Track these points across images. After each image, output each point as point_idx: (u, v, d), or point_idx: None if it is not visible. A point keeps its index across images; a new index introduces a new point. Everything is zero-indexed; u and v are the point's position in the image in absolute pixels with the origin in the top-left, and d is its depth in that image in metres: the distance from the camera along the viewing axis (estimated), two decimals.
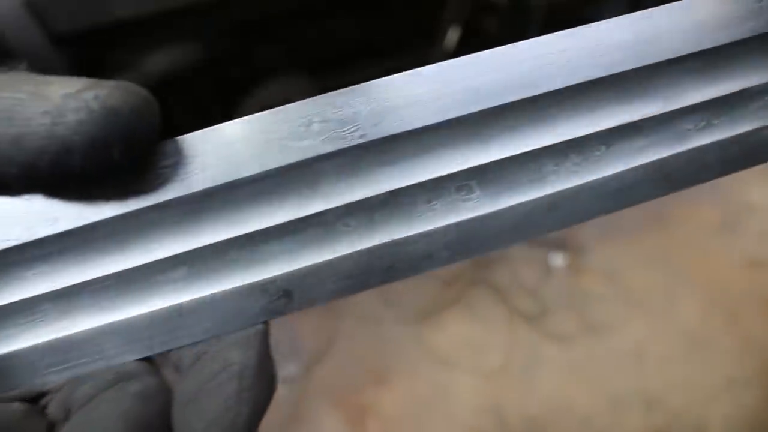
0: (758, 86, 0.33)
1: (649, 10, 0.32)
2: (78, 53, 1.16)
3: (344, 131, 0.28)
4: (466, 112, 0.29)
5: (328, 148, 0.28)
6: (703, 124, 0.33)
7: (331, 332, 1.45)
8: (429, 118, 0.29)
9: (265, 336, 0.29)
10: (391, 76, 0.29)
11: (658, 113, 0.32)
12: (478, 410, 1.35)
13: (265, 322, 0.29)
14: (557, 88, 0.30)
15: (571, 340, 1.46)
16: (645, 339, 1.45)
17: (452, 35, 1.47)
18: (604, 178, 0.32)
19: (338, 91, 0.29)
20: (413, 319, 1.48)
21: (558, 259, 1.60)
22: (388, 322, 1.47)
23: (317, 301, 0.30)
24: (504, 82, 0.30)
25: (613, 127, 0.31)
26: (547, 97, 0.30)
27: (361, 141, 0.28)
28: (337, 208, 0.29)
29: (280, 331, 1.40)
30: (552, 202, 0.31)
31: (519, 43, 0.30)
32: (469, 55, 0.30)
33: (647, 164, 0.32)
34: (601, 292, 1.55)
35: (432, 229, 0.30)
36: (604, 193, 0.32)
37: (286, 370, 1.40)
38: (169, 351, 0.28)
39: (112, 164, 0.25)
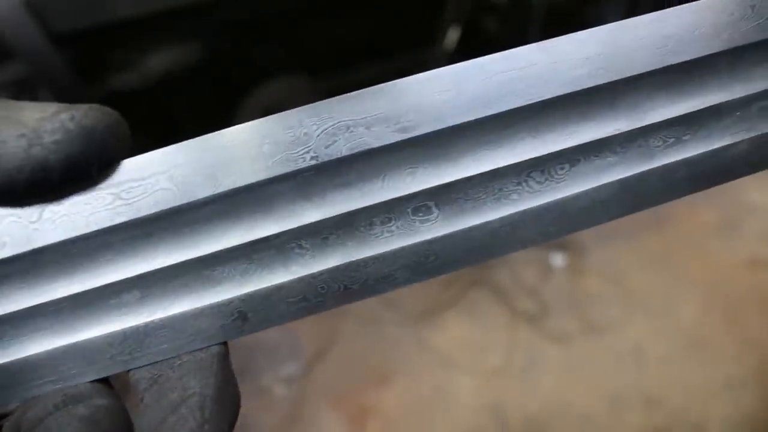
0: (729, 102, 0.32)
1: (618, 23, 0.31)
2: (78, 53, 1.16)
3: (295, 153, 0.28)
4: (423, 132, 0.29)
5: (279, 171, 0.28)
6: (672, 140, 0.32)
7: (331, 332, 1.45)
8: (384, 138, 0.28)
9: (223, 358, 0.29)
10: (344, 95, 0.29)
11: (626, 130, 0.31)
12: (478, 410, 1.35)
13: (224, 343, 0.29)
14: (520, 105, 0.29)
15: (571, 340, 1.46)
16: (645, 339, 1.45)
17: (452, 35, 1.47)
18: (567, 197, 0.31)
19: (288, 111, 0.28)
20: (413, 320, 1.48)
21: (558, 260, 1.60)
22: (388, 322, 1.47)
23: (273, 322, 0.29)
24: (465, 100, 0.29)
25: (578, 145, 0.31)
26: (509, 115, 0.29)
27: (313, 163, 0.28)
28: (290, 230, 0.28)
29: (280, 331, 1.40)
30: (514, 222, 0.31)
31: (480, 58, 0.30)
32: (428, 72, 0.29)
33: (614, 182, 0.31)
34: (601, 292, 1.55)
35: (389, 251, 0.30)
36: (569, 211, 0.31)
37: (286, 370, 1.40)
38: (128, 371, 0.28)
39: (90, 180, 0.26)
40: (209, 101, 1.45)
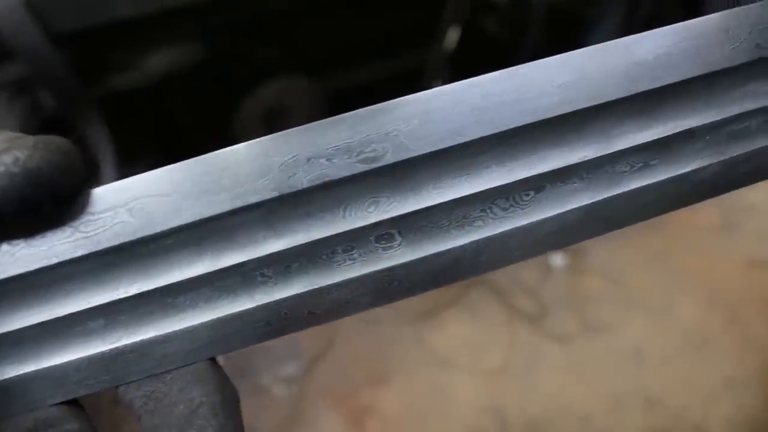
0: (698, 127, 0.32)
1: (587, 49, 0.30)
2: (78, 53, 1.16)
3: (257, 185, 0.28)
4: (386, 163, 0.29)
5: (241, 202, 0.28)
6: (640, 165, 0.32)
7: (331, 332, 1.45)
8: (346, 169, 0.28)
9: (213, 363, 0.29)
10: (305, 125, 0.29)
11: (593, 157, 0.31)
12: (478, 410, 1.35)
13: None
14: (486, 135, 0.29)
15: (571, 340, 1.46)
16: (645, 339, 1.45)
17: (452, 35, 1.47)
18: (532, 222, 0.31)
19: (250, 142, 0.28)
20: (413, 320, 1.48)
21: (558, 260, 1.60)
22: (387, 322, 1.47)
23: (237, 346, 0.30)
24: (429, 130, 0.29)
25: (544, 173, 0.31)
26: (475, 145, 0.29)
27: (275, 195, 0.28)
28: (253, 260, 0.29)
29: None
30: (478, 248, 0.31)
31: (446, 86, 0.29)
32: (392, 101, 0.29)
33: (580, 207, 0.32)
34: (601, 292, 1.55)
35: (352, 278, 0.30)
36: (534, 236, 0.32)
37: (285, 370, 1.40)
38: (117, 391, 0.29)
39: (43, 217, 0.26)
40: (209, 101, 1.45)
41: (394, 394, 1.37)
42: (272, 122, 1.44)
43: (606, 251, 1.60)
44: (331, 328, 1.46)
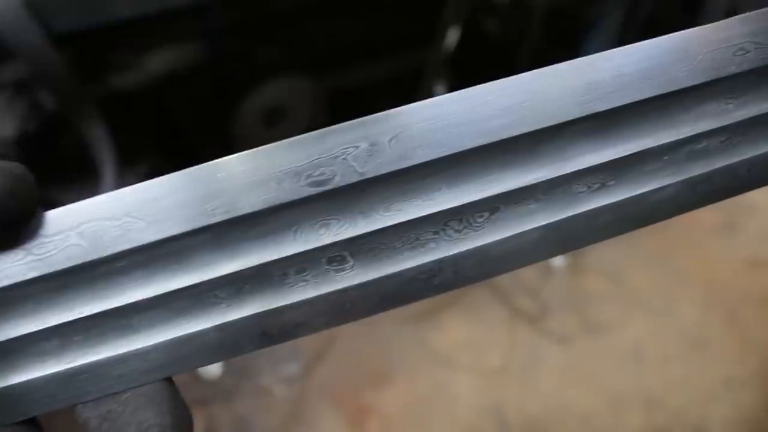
0: (657, 147, 0.32)
1: (539, 71, 0.30)
2: (78, 53, 1.16)
3: (207, 208, 0.28)
4: (336, 185, 0.29)
5: (192, 225, 0.28)
6: (597, 186, 0.32)
7: (330, 332, 1.44)
8: (295, 192, 0.29)
9: (169, 385, 0.30)
10: (256, 148, 0.29)
11: (548, 178, 0.31)
12: (478, 410, 1.35)
13: None
14: (437, 157, 0.29)
15: (571, 340, 1.46)
16: (645, 339, 1.45)
17: (452, 35, 1.47)
18: (487, 244, 0.31)
19: (200, 165, 0.28)
20: (413, 319, 1.48)
21: (558, 259, 1.60)
22: (388, 322, 1.47)
23: (193, 367, 0.30)
24: (379, 152, 0.29)
25: (498, 194, 0.31)
26: (426, 167, 0.29)
27: (226, 217, 0.28)
28: (206, 281, 0.29)
29: None
30: (432, 270, 0.31)
31: (396, 109, 0.29)
32: (342, 124, 0.29)
33: (535, 228, 0.31)
34: (601, 292, 1.55)
35: (305, 299, 0.30)
36: (489, 257, 0.31)
37: (286, 370, 1.40)
38: (74, 410, 0.29)
39: None
40: (209, 101, 1.45)
41: (394, 394, 1.37)
42: (272, 123, 1.44)
43: (606, 251, 1.60)
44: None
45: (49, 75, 1.09)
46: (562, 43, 1.57)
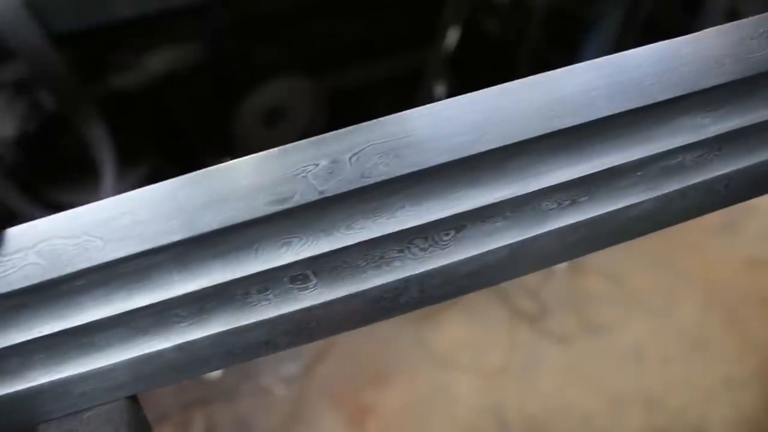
0: (629, 163, 0.31)
1: (503, 86, 0.30)
2: (78, 53, 1.16)
3: (168, 226, 0.28)
4: (296, 204, 0.29)
5: (152, 244, 0.28)
6: (567, 203, 0.31)
7: None
8: (256, 210, 0.28)
9: (131, 404, 0.30)
10: (215, 166, 0.29)
11: (515, 195, 0.30)
12: (478, 410, 1.35)
13: None
14: (399, 174, 0.29)
15: (571, 340, 1.46)
16: (645, 339, 1.45)
17: (452, 35, 1.47)
18: (453, 262, 0.31)
19: (162, 183, 0.28)
20: (413, 320, 1.48)
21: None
22: (388, 322, 1.46)
23: (156, 386, 0.30)
24: (339, 171, 0.29)
25: (464, 212, 0.30)
26: (388, 184, 0.29)
27: (186, 236, 0.28)
28: (167, 300, 0.29)
29: None
30: (398, 288, 0.31)
31: (357, 126, 0.29)
32: (301, 141, 0.29)
33: (503, 246, 0.31)
34: (601, 292, 1.55)
35: (268, 318, 0.30)
36: (455, 276, 0.31)
37: (286, 370, 1.40)
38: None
39: None
40: (209, 101, 1.45)
41: (394, 394, 1.37)
42: (272, 122, 1.44)
43: (606, 252, 1.60)
44: None
45: (49, 75, 1.09)
46: (562, 43, 1.57)
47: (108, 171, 1.16)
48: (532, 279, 1.56)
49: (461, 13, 1.46)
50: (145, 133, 1.43)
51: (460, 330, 1.49)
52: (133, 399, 0.30)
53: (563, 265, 1.59)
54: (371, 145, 0.29)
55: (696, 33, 0.31)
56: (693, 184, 0.33)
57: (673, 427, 1.33)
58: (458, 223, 0.30)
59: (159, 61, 1.31)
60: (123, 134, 1.21)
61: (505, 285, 1.55)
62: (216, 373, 1.34)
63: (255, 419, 1.31)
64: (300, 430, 1.33)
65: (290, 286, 0.30)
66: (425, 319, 1.49)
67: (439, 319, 1.49)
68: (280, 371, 1.39)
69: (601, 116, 0.30)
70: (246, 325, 0.30)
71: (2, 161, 1.16)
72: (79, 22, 1.09)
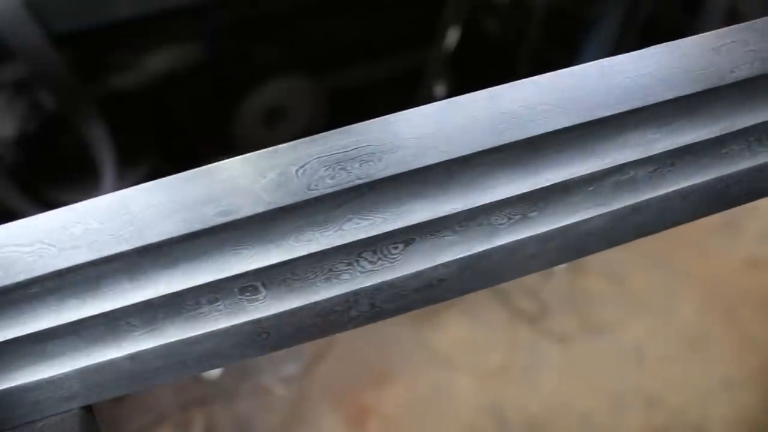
0: (577, 178, 0.31)
1: (450, 100, 0.30)
2: (78, 53, 1.16)
3: (118, 235, 0.28)
4: (244, 215, 0.29)
5: (103, 253, 0.28)
6: (517, 217, 0.31)
7: None
8: (205, 221, 0.29)
9: (85, 415, 0.30)
10: (166, 177, 0.29)
11: (464, 209, 0.30)
12: (478, 410, 1.35)
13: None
14: (341, 188, 0.29)
15: (571, 340, 1.46)
16: (644, 339, 1.45)
17: (452, 35, 1.47)
18: (402, 276, 0.31)
19: (113, 193, 0.29)
20: (413, 320, 1.48)
21: None
22: (388, 322, 1.46)
23: (110, 395, 0.30)
24: (285, 183, 0.29)
25: (412, 225, 0.30)
26: (336, 197, 0.29)
27: (137, 245, 0.28)
28: (118, 309, 0.29)
29: None
30: (348, 302, 0.31)
31: (304, 139, 0.29)
32: (247, 155, 0.29)
33: (453, 261, 0.31)
34: (601, 292, 1.55)
35: (219, 329, 0.30)
36: (406, 290, 0.31)
37: (286, 370, 1.40)
38: None
39: None
40: (209, 101, 1.44)
41: (394, 394, 1.37)
42: (272, 122, 1.44)
43: (606, 252, 1.60)
44: None
45: (49, 75, 1.09)
46: (562, 43, 1.57)
47: (108, 171, 1.16)
48: (532, 279, 1.56)
49: (461, 13, 1.46)
50: (145, 133, 1.43)
51: (460, 330, 1.49)
52: (88, 410, 0.30)
53: (563, 265, 1.59)
54: (318, 158, 0.29)
55: (645, 49, 0.31)
56: (647, 200, 0.33)
57: (673, 427, 1.33)
58: (407, 237, 0.30)
59: (159, 61, 1.31)
60: (123, 134, 1.21)
61: (506, 285, 1.55)
62: (216, 373, 1.34)
63: (255, 419, 1.31)
64: (300, 430, 1.33)
65: (240, 297, 0.30)
66: (425, 319, 1.49)
67: (439, 320, 1.49)
68: (280, 371, 1.39)
69: (548, 131, 0.30)
70: (197, 336, 0.30)
71: (2, 161, 1.16)
72: (79, 22, 1.09)
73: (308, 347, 1.43)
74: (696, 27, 1.43)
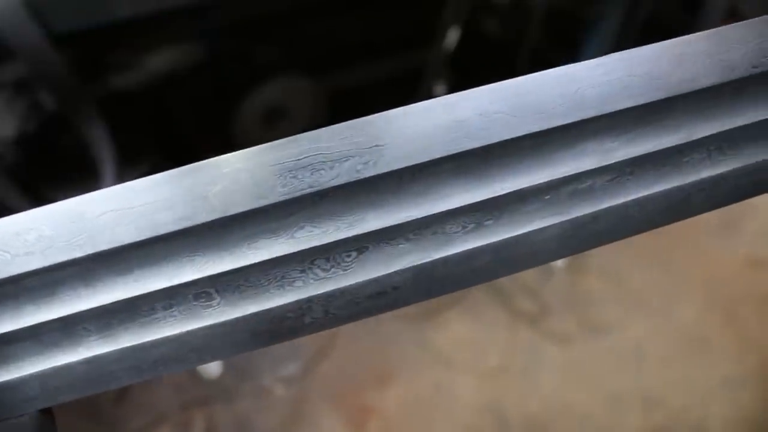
0: (532, 187, 0.31)
1: (410, 106, 0.30)
2: (78, 53, 1.16)
3: (73, 241, 0.29)
4: (199, 222, 0.29)
5: (51, 261, 0.28)
6: (472, 226, 0.31)
7: (330, 332, 1.44)
8: (160, 227, 0.29)
9: (41, 417, 0.30)
10: (120, 185, 0.29)
11: (417, 217, 0.30)
12: (478, 410, 1.35)
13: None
14: (293, 196, 0.29)
15: (571, 340, 1.46)
16: (645, 339, 1.45)
17: (452, 35, 1.47)
18: (355, 284, 0.31)
19: (68, 200, 0.29)
20: (414, 320, 1.48)
21: (559, 260, 1.60)
22: (388, 322, 1.47)
23: (67, 398, 0.30)
24: (237, 190, 0.29)
25: (365, 233, 0.30)
26: (287, 205, 0.29)
27: (91, 252, 0.29)
28: (73, 314, 0.29)
29: None
30: (301, 309, 0.31)
31: (251, 149, 0.29)
32: (200, 162, 0.29)
33: (407, 269, 0.31)
34: (601, 292, 1.55)
35: (174, 335, 0.30)
36: (360, 297, 0.31)
37: (286, 370, 1.40)
38: None
39: None
40: (209, 101, 1.45)
41: (394, 393, 1.37)
42: (271, 122, 1.44)
43: (606, 251, 1.60)
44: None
45: (49, 75, 1.09)
46: (562, 43, 1.57)
47: (108, 171, 1.16)
48: (532, 279, 1.56)
49: (461, 13, 1.46)
50: (145, 133, 1.43)
51: (460, 330, 1.49)
52: (47, 413, 0.30)
53: (563, 265, 1.59)
54: (270, 166, 0.29)
55: (605, 56, 0.31)
56: (605, 209, 0.33)
57: (673, 427, 1.33)
58: (360, 245, 0.31)
59: (159, 61, 1.31)
60: (123, 134, 1.21)
61: (506, 285, 1.55)
62: (216, 373, 1.34)
63: (255, 419, 1.31)
64: (300, 430, 1.33)
65: (194, 303, 0.30)
66: (426, 319, 1.49)
67: (439, 319, 1.49)
68: (280, 371, 1.39)
69: (503, 139, 0.30)
70: (153, 341, 0.30)
71: (2, 161, 1.16)
72: (79, 22, 1.09)
73: (309, 347, 1.43)
74: (696, 27, 1.43)
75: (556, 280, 1.57)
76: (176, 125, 1.49)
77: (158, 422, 1.27)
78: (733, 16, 1.44)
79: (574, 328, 1.48)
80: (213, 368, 1.33)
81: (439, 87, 1.50)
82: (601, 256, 1.60)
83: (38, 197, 1.14)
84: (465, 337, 1.48)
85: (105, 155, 1.16)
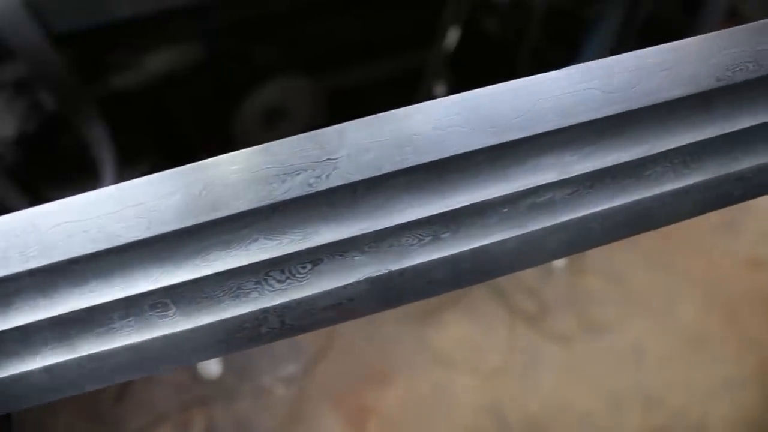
0: (489, 200, 0.31)
1: (364, 119, 0.30)
2: (78, 53, 1.16)
3: (27, 252, 0.29)
4: (153, 234, 0.29)
5: (6, 271, 0.29)
6: (428, 239, 0.31)
7: (330, 332, 1.45)
8: (114, 239, 0.29)
9: (2, 423, 0.31)
10: (73, 196, 0.29)
11: (372, 230, 0.30)
12: (478, 410, 1.35)
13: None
14: (246, 209, 0.29)
15: (571, 339, 1.46)
16: (645, 339, 1.45)
17: (452, 35, 1.47)
18: (311, 295, 0.31)
19: (21, 212, 0.29)
20: (414, 319, 1.48)
21: (558, 260, 1.60)
22: (388, 322, 1.47)
23: (24, 406, 0.31)
24: (193, 202, 0.29)
25: (319, 245, 0.30)
26: (241, 217, 0.30)
27: (45, 262, 0.29)
28: (31, 324, 0.30)
29: None
30: (257, 320, 0.31)
31: (203, 161, 0.29)
32: (156, 174, 0.30)
33: (362, 281, 0.31)
34: (600, 292, 1.55)
35: (130, 345, 0.31)
36: (315, 308, 0.31)
37: (286, 370, 1.40)
38: None
39: None
40: (209, 101, 1.45)
41: (394, 393, 1.37)
42: (271, 122, 1.44)
43: (605, 251, 1.60)
44: (330, 327, 1.46)
45: (49, 75, 1.09)
46: (562, 43, 1.57)
47: (108, 171, 1.16)
48: (532, 279, 1.57)
49: (461, 13, 1.46)
50: (145, 133, 1.43)
51: (460, 330, 1.49)
52: (5, 419, 0.31)
53: (563, 265, 1.59)
54: (221, 178, 0.29)
55: (565, 68, 0.30)
56: (564, 222, 0.33)
57: (673, 427, 1.33)
58: (314, 257, 0.31)
59: (159, 61, 1.31)
60: (123, 134, 1.21)
61: (505, 285, 1.55)
62: (216, 373, 1.34)
63: (255, 419, 1.31)
64: (300, 430, 1.33)
65: (151, 313, 0.31)
66: (425, 319, 1.49)
67: (439, 319, 1.49)
68: (280, 371, 1.39)
69: (459, 153, 0.30)
70: (110, 350, 0.31)
71: (2, 161, 1.16)
72: (79, 22, 1.09)
73: (309, 347, 1.43)
74: (696, 27, 1.43)
75: (555, 280, 1.57)
76: (176, 125, 1.49)
77: (158, 422, 1.27)
78: (733, 16, 1.44)
79: (574, 328, 1.48)
80: (213, 368, 1.33)
81: (439, 87, 1.50)
82: (601, 256, 1.60)
83: (38, 197, 1.14)
84: (464, 337, 1.48)
85: (105, 155, 1.16)
